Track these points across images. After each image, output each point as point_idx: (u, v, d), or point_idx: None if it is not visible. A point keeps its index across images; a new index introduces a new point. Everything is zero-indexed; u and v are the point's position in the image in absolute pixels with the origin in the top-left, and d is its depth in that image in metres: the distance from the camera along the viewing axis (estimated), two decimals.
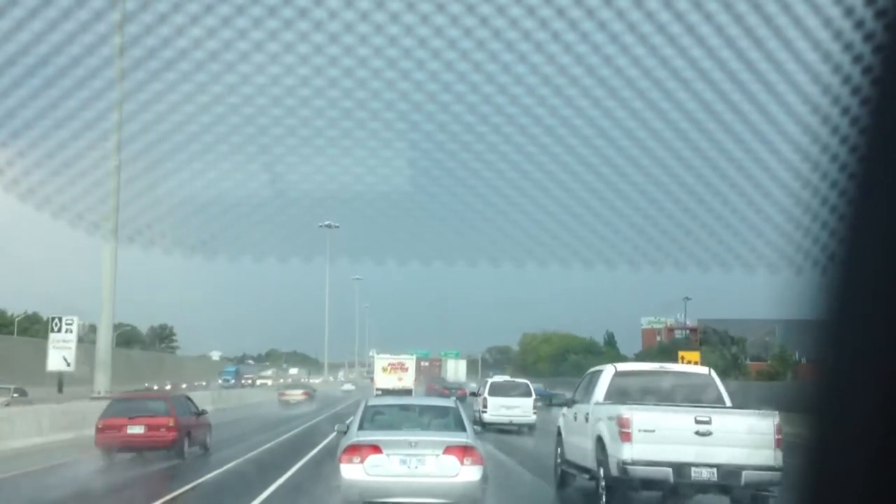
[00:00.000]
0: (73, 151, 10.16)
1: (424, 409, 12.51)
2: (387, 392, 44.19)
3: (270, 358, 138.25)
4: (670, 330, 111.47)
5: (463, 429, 11.28)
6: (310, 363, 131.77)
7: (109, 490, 14.98)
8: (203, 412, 21.04)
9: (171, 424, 18.33)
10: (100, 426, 18.45)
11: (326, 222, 46.78)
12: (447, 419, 11.68)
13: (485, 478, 10.68)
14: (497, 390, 30.18)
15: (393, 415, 12.12)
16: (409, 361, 55.27)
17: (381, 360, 55.68)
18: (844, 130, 1.75)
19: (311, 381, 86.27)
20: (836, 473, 1.57)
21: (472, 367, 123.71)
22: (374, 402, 12.98)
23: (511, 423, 29.14)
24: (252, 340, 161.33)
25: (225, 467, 17.00)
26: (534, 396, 30.39)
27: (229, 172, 12.25)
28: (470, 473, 10.42)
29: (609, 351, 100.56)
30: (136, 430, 18.14)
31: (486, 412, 29.13)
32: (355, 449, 10.53)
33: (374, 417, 11.70)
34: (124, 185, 21.32)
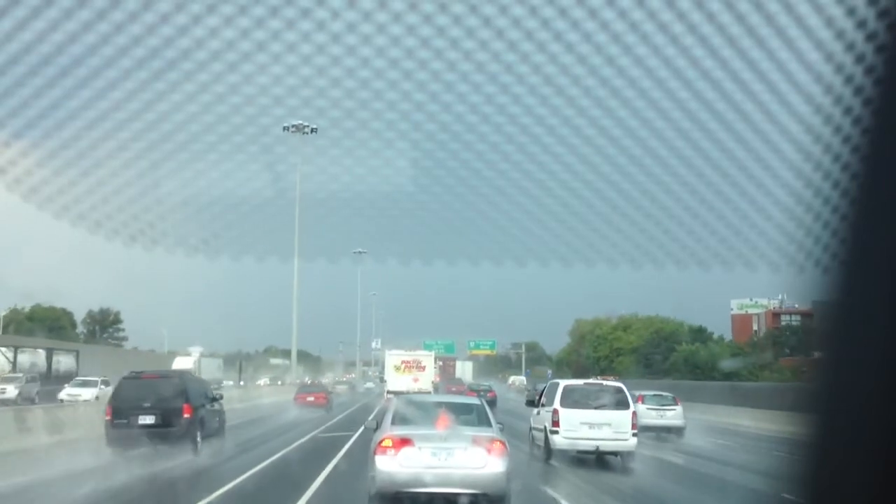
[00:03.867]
0: (75, 151, 10.16)
1: (452, 406, 13.07)
2: (400, 395, 32.84)
3: (269, 355, 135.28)
4: (775, 315, 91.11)
5: (489, 424, 11.89)
6: (312, 360, 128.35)
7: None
8: (331, 391, 50.04)
9: (325, 395, 44.51)
10: (295, 396, 43.67)
11: (296, 122, 42.51)
12: (472, 415, 12.33)
13: (509, 469, 11.27)
14: (574, 399, 19.56)
15: (423, 411, 12.68)
16: (427, 359, 45.58)
17: (392, 357, 45.83)
18: (847, 131, 1.75)
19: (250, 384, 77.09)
20: (837, 471, 1.58)
21: (504, 364, 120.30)
22: (404, 399, 14.09)
23: (598, 450, 19.02)
24: (251, 336, 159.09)
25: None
26: (632, 409, 19.69)
27: (231, 172, 12.27)
28: (496, 465, 11.03)
29: (721, 342, 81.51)
30: (311, 398, 43.11)
31: (557, 432, 19.08)
32: (389, 442, 11.17)
33: (406, 413, 12.33)
34: (126, 184, 21.24)
